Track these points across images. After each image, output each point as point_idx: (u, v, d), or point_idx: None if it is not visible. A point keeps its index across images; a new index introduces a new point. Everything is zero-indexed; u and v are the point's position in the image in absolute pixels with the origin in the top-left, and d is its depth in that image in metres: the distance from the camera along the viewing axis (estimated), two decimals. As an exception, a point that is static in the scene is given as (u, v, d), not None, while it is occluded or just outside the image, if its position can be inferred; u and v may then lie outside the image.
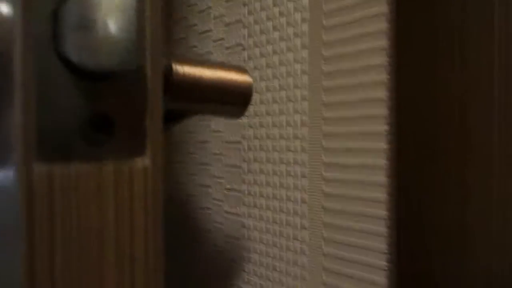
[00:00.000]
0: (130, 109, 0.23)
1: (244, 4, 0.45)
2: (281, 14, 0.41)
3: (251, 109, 0.44)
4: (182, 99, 0.34)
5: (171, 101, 0.34)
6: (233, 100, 0.37)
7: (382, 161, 0.32)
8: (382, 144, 0.32)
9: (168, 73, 0.32)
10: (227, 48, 0.48)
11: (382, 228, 0.32)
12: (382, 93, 0.32)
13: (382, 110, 0.32)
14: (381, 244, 0.32)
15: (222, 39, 0.49)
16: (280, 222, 0.41)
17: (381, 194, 0.32)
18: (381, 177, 0.32)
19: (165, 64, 0.33)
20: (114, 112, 0.22)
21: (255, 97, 0.43)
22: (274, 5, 0.41)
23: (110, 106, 0.22)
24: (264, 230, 0.43)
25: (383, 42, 0.32)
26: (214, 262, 0.50)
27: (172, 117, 0.39)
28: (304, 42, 0.38)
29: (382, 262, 0.32)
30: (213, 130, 0.50)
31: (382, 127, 0.32)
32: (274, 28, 0.41)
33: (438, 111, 0.34)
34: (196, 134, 0.53)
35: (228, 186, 0.48)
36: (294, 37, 0.39)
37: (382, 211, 0.32)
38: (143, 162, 0.23)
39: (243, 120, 0.45)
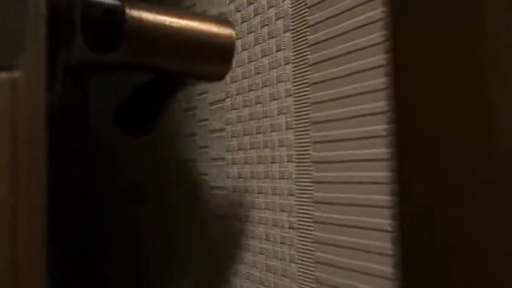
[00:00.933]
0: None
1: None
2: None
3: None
4: (141, 52, 0.28)
5: (128, 54, 0.28)
6: (209, 56, 0.30)
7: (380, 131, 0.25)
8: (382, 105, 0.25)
9: (120, 20, 0.27)
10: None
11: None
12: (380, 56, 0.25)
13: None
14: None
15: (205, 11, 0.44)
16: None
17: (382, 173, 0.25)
18: (382, 149, 0.25)
19: (117, 7, 0.27)
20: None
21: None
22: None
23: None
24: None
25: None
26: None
27: (157, 84, 0.33)
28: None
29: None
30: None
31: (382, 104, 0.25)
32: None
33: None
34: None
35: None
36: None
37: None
38: (11, 73, 0.18)
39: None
